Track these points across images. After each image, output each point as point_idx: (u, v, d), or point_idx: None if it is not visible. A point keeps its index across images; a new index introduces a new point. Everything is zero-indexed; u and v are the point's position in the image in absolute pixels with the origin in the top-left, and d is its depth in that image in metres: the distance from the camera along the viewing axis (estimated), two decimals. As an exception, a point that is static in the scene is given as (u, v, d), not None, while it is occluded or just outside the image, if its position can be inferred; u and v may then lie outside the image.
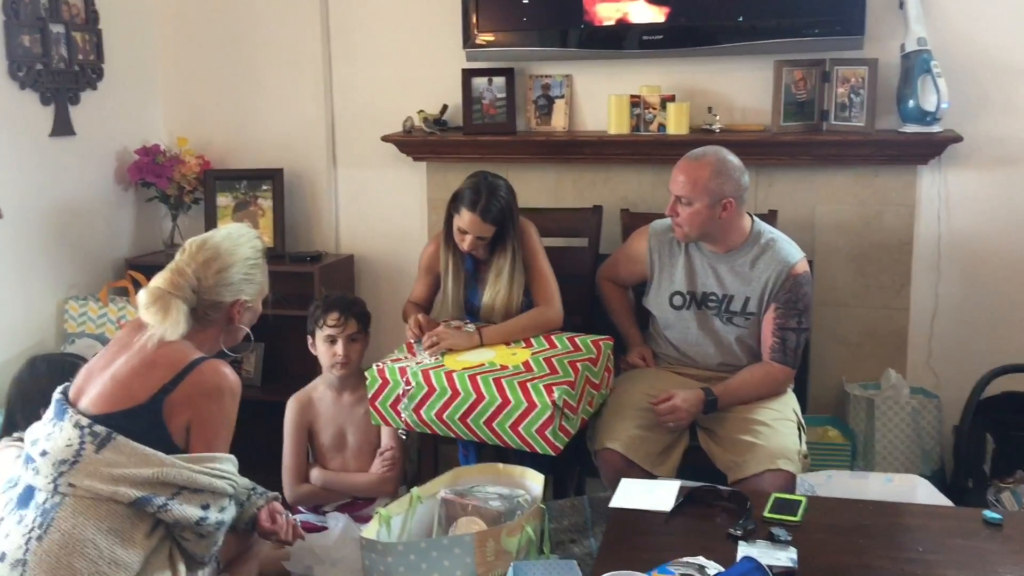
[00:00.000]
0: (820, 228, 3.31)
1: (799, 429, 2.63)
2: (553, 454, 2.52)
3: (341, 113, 3.74)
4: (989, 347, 3.24)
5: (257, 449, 3.30)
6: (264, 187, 3.70)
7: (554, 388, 2.49)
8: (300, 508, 2.93)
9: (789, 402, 2.72)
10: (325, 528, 2.81)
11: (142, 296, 2.09)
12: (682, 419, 2.63)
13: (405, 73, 3.63)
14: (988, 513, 2.10)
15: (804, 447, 2.58)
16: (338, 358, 2.84)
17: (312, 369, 3.02)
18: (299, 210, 3.80)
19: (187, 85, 3.84)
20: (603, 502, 2.46)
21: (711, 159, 2.68)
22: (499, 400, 2.52)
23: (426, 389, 2.61)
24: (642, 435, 2.61)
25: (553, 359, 2.66)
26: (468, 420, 2.58)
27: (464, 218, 2.81)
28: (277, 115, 3.76)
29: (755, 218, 2.81)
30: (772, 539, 2.00)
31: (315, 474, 2.92)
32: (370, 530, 2.22)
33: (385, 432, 2.90)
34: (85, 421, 1.97)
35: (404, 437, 2.81)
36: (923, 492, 2.40)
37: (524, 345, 2.78)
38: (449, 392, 2.59)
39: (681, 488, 2.26)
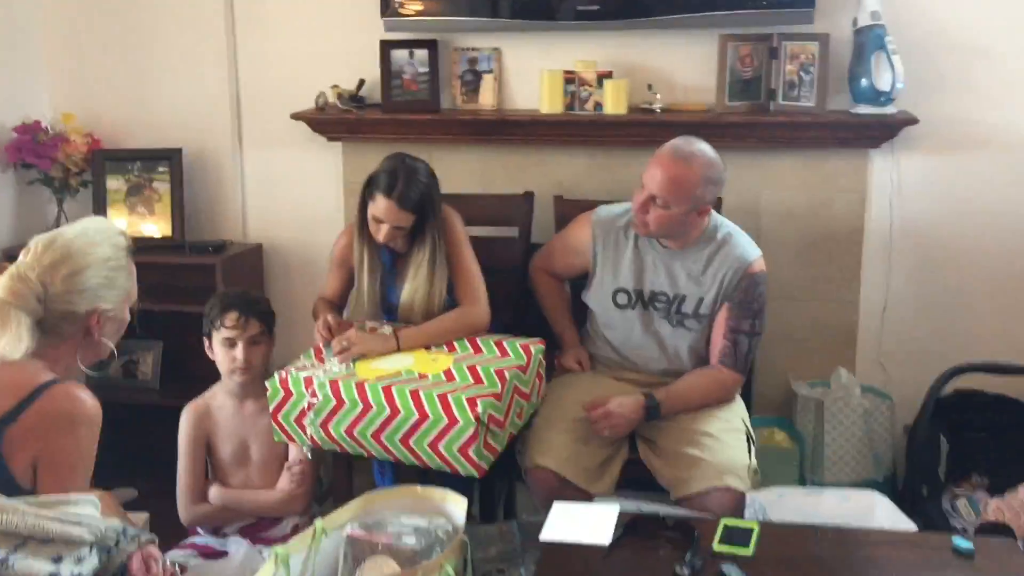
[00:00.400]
0: (765, 216, 3.10)
1: (748, 441, 2.42)
2: (477, 475, 2.28)
3: (247, 88, 3.41)
4: (942, 343, 3.08)
5: (155, 461, 3.01)
6: (161, 169, 3.36)
7: (478, 401, 2.23)
8: (198, 530, 2.63)
9: (737, 411, 2.51)
10: (225, 553, 2.54)
11: None
12: (619, 427, 2.40)
13: (318, 44, 3.31)
14: (958, 541, 1.90)
15: (754, 461, 2.37)
16: (238, 363, 2.54)
17: (217, 371, 2.72)
18: (200, 195, 3.46)
19: (74, 55, 3.47)
20: (535, 527, 2.22)
21: (700, 162, 2.42)
22: (416, 415, 2.26)
23: (334, 402, 2.34)
24: (577, 449, 2.38)
25: (478, 367, 2.40)
26: (381, 437, 2.32)
27: (379, 205, 2.54)
28: (176, 89, 3.42)
29: (713, 210, 2.57)
30: (723, 578, 1.78)
31: (214, 492, 2.63)
32: (265, 572, 1.93)
33: (293, 444, 2.61)
34: None
35: (310, 456, 2.53)
36: (882, 511, 2.22)
37: (446, 350, 2.52)
38: (360, 406, 2.32)
39: (620, 515, 2.02)
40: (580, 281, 2.73)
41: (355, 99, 3.24)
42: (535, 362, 2.50)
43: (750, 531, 1.95)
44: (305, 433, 2.39)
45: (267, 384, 2.41)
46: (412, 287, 2.61)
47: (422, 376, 2.36)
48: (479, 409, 2.21)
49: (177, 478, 2.64)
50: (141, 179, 3.37)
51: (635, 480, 2.47)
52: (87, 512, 1.72)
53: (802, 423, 3.03)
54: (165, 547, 2.49)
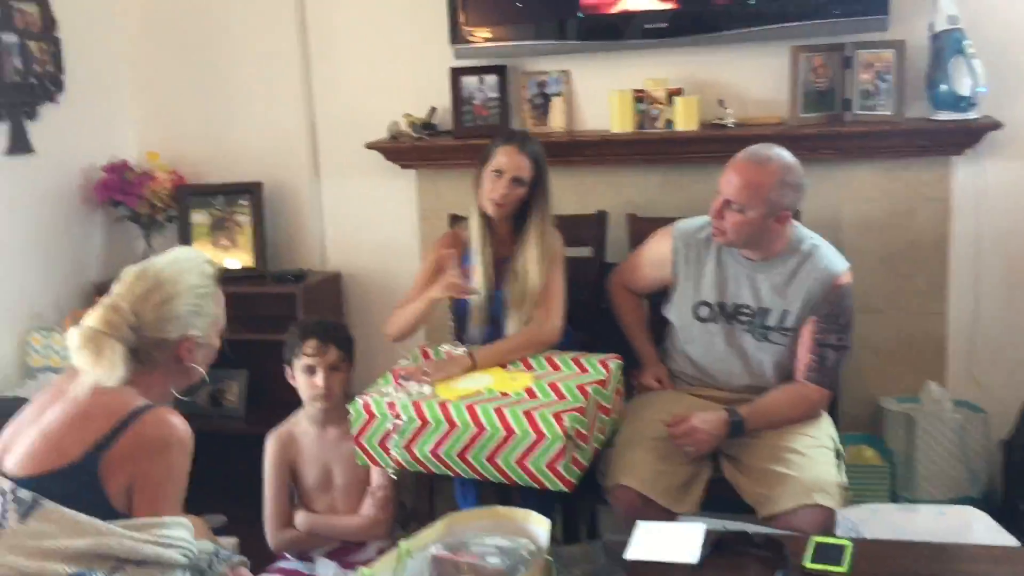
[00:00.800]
0: (847, 228, 3.03)
1: (837, 458, 2.36)
2: (566, 490, 2.27)
3: (322, 120, 3.49)
4: (1036, 353, 2.97)
5: (242, 488, 3.06)
6: (242, 202, 3.44)
7: (564, 416, 2.23)
8: (286, 555, 2.66)
9: (825, 427, 2.45)
10: (313, 576, 2.56)
11: (72, 337, 1.82)
12: (702, 443, 2.35)
13: (389, 74, 3.37)
14: (1065, 556, 1.81)
15: (844, 478, 2.30)
16: (318, 390, 2.57)
17: (300, 399, 2.76)
18: (281, 226, 3.54)
19: (157, 96, 3.59)
20: (619, 546, 2.19)
21: (776, 165, 2.39)
22: (502, 432, 2.27)
23: (418, 423, 2.35)
24: (660, 468, 2.34)
25: (559, 383, 2.40)
26: (467, 456, 2.32)
27: (501, 155, 2.59)
28: (254, 124, 3.51)
29: (796, 222, 2.53)
30: (817, 596, 1.73)
31: (300, 518, 2.65)
32: (353, 594, 1.94)
33: (375, 469, 2.63)
34: (8, 485, 1.70)
35: (395, 477, 2.54)
36: (980, 527, 2.13)
37: (524, 368, 2.52)
38: (445, 425, 2.33)
39: (708, 533, 1.98)
40: (658, 297, 2.71)
41: (427, 127, 3.28)
42: (614, 377, 2.49)
43: (843, 548, 1.88)
44: (389, 455, 2.40)
45: (349, 408, 2.44)
46: (522, 261, 2.62)
47: (504, 395, 2.36)
48: (566, 423, 2.21)
49: (263, 505, 2.68)
50: (223, 213, 3.45)
51: (719, 499, 2.41)
52: (180, 535, 1.75)
53: (892, 439, 2.94)
54: (255, 572, 2.53)
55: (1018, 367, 2.96)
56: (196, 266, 1.96)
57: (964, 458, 2.86)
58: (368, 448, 2.43)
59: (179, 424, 1.82)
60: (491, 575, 1.90)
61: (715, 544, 1.93)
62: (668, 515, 2.28)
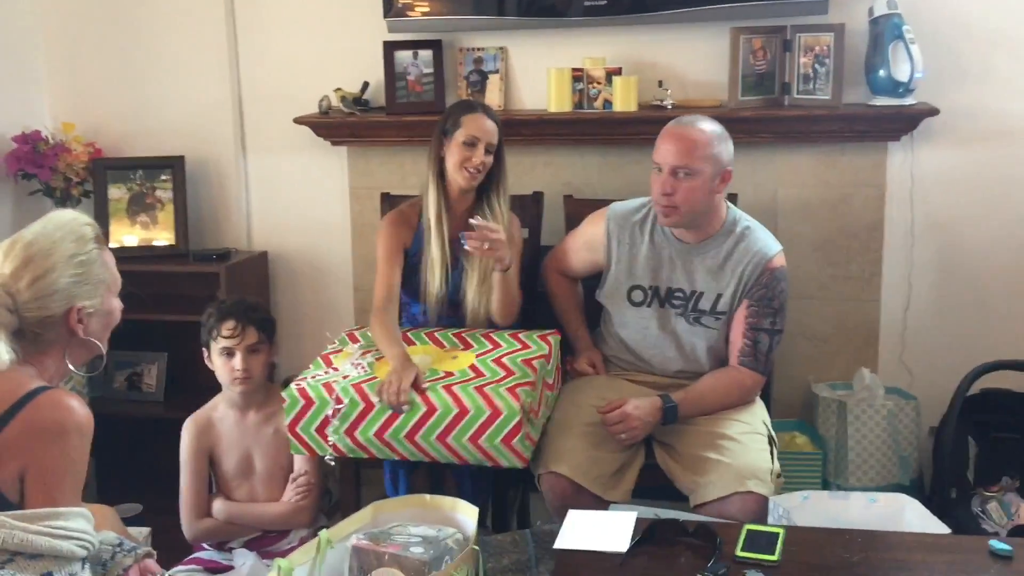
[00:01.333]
0: (783, 213, 3.01)
1: (770, 444, 2.33)
2: (521, 466, 2.25)
3: (249, 93, 3.34)
4: (967, 341, 2.99)
5: (160, 475, 2.93)
6: (163, 177, 3.30)
7: (518, 390, 2.21)
8: (203, 545, 2.55)
9: (758, 413, 2.42)
10: (231, 567, 2.46)
11: None
12: (635, 430, 2.30)
13: (320, 47, 3.24)
14: (996, 544, 1.80)
15: (777, 465, 2.27)
16: (237, 373, 2.47)
17: (223, 382, 2.65)
18: (204, 202, 3.39)
19: (73, 63, 3.40)
20: (549, 535, 2.13)
21: (705, 124, 2.40)
22: (455, 410, 2.22)
23: (362, 406, 2.27)
24: (592, 455, 2.29)
25: (503, 359, 2.36)
26: (416, 437, 2.25)
27: (471, 123, 2.53)
28: (176, 96, 3.35)
29: (730, 204, 2.50)
30: (748, 586, 1.69)
31: (218, 506, 2.56)
32: (268, 585, 1.85)
33: (298, 455, 2.53)
34: None
35: (333, 464, 2.44)
36: (912, 514, 2.12)
37: (462, 347, 2.46)
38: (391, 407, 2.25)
39: (638, 521, 1.93)
40: (593, 282, 2.65)
41: (359, 102, 3.17)
42: (555, 353, 2.46)
43: (775, 536, 1.85)
44: (327, 442, 2.31)
45: (284, 395, 2.33)
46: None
47: (448, 373, 2.31)
48: (522, 398, 2.20)
49: (180, 493, 2.57)
50: (143, 188, 3.30)
51: (653, 487, 2.37)
52: (78, 526, 1.64)
53: (824, 426, 2.93)
54: (170, 563, 2.43)
55: (949, 354, 2.97)
56: (72, 232, 1.80)
57: (895, 445, 2.86)
58: (304, 436, 2.33)
59: (77, 407, 1.70)
60: (414, 566, 1.83)
61: (646, 532, 1.88)
62: (600, 503, 2.22)
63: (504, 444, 2.21)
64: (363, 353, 2.48)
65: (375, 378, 2.33)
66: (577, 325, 2.66)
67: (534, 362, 2.34)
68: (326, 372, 2.39)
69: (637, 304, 2.48)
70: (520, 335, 2.50)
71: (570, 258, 2.67)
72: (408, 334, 2.56)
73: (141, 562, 1.83)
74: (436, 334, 2.56)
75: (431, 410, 2.23)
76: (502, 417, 2.19)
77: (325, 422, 2.30)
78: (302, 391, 2.32)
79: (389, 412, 2.25)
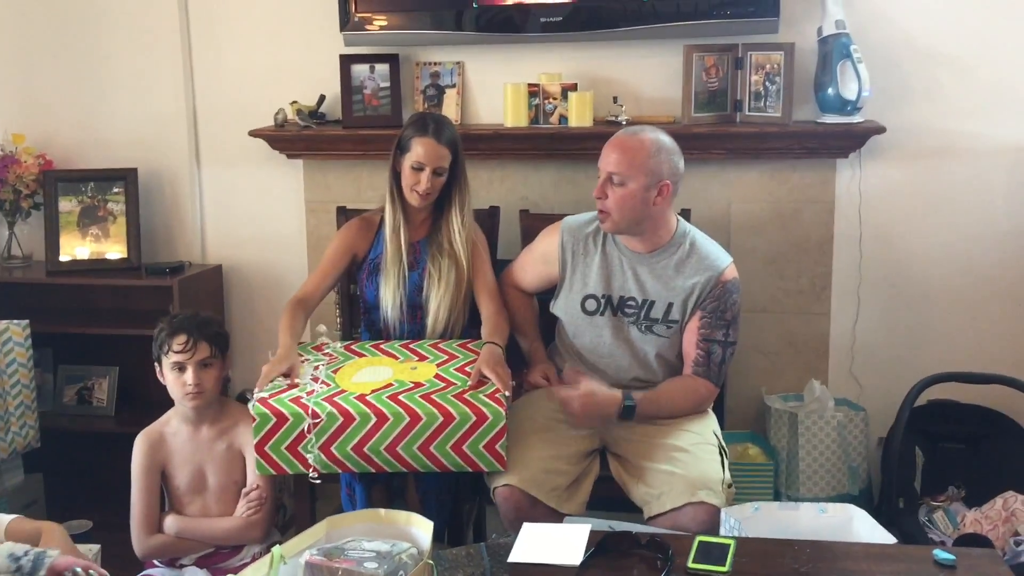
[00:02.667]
0: (735, 228, 3.06)
1: (722, 454, 2.35)
2: (501, 469, 2.28)
3: (204, 105, 3.33)
4: (915, 354, 3.05)
5: (111, 490, 2.90)
6: (115, 189, 3.26)
7: (497, 395, 2.29)
8: (154, 562, 2.52)
9: (710, 424, 2.45)
10: (182, 585, 2.43)
11: None
12: (591, 408, 2.33)
13: (276, 60, 3.24)
14: (939, 553, 1.84)
15: (728, 475, 2.30)
16: (188, 388, 2.44)
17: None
18: (157, 215, 3.37)
19: (23, 74, 3.37)
20: (503, 549, 2.14)
21: (649, 136, 2.44)
22: (440, 419, 2.24)
23: (340, 420, 2.25)
24: (546, 468, 2.30)
25: (467, 367, 2.40)
26: (397, 449, 2.26)
27: (418, 148, 2.56)
28: (129, 107, 3.33)
29: (680, 217, 2.54)
30: (699, 597, 1.71)
31: (170, 522, 2.52)
32: (220, 602, 1.83)
33: (252, 468, 2.51)
34: None
35: (318, 481, 2.40)
36: (860, 524, 2.15)
37: (416, 359, 2.48)
38: (373, 419, 2.24)
39: (591, 533, 1.94)
40: (547, 296, 2.67)
41: (315, 115, 3.17)
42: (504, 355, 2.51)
43: (726, 547, 1.87)
44: (298, 460, 2.28)
45: (253, 414, 2.29)
46: (448, 244, 2.63)
47: (417, 384, 2.33)
48: (504, 403, 2.26)
49: (131, 509, 2.53)
50: (95, 200, 3.26)
51: (607, 500, 2.39)
52: None
53: (776, 437, 2.97)
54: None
55: (896, 366, 3.04)
56: None
57: (844, 456, 2.91)
58: (272, 455, 2.30)
59: None
60: (367, 581, 1.82)
61: (599, 545, 1.89)
62: (554, 515, 2.24)
63: (487, 449, 2.25)
64: (315, 367, 2.47)
65: (343, 391, 2.33)
66: (532, 338, 2.67)
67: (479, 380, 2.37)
68: (285, 389, 2.36)
69: (591, 313, 2.51)
70: (469, 344, 2.53)
71: (526, 271, 2.69)
72: (352, 347, 2.58)
73: (53, 565, 1.82)
74: (383, 346, 2.58)
75: (415, 420, 2.24)
76: (488, 422, 2.23)
77: (300, 438, 2.27)
78: (272, 409, 2.28)
79: (371, 424, 2.25)
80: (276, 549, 1.95)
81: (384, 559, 1.88)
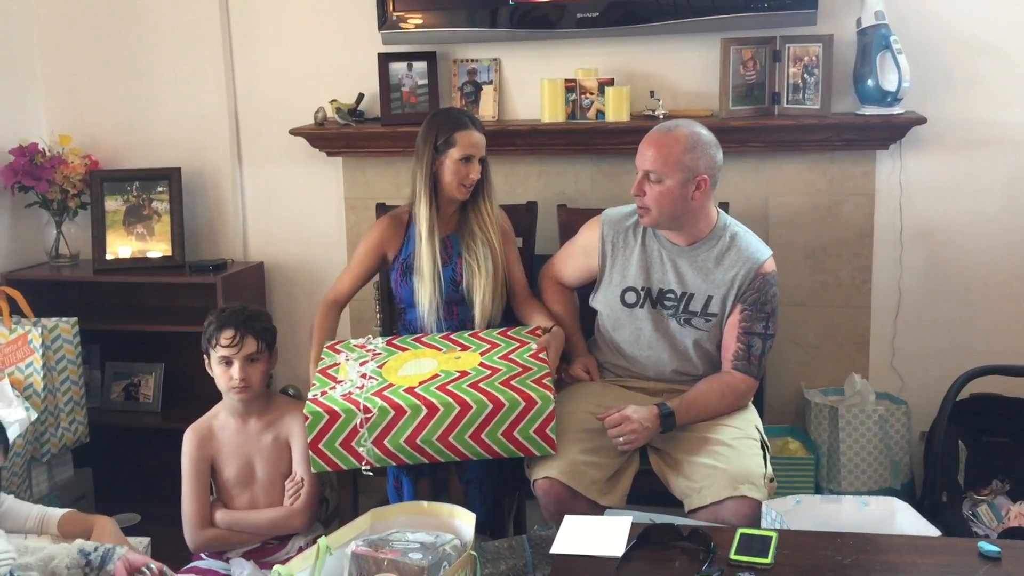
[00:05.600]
0: (774, 221, 3.05)
1: (763, 449, 2.35)
2: (552, 453, 2.30)
3: (245, 104, 3.37)
4: (957, 347, 3.02)
5: (158, 485, 2.96)
6: (159, 188, 3.32)
7: (544, 380, 2.32)
8: (201, 555, 2.57)
9: (751, 418, 2.44)
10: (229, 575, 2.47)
11: None
12: (635, 434, 2.32)
13: (315, 59, 3.27)
14: (984, 545, 1.83)
15: (770, 469, 2.30)
16: (235, 382, 2.48)
17: (221, 392, 2.66)
18: (200, 214, 3.42)
19: (70, 76, 3.43)
20: (545, 541, 2.16)
21: (684, 131, 2.43)
22: (490, 406, 2.26)
23: (392, 413, 2.28)
24: (587, 460, 2.31)
25: (511, 356, 2.43)
26: (450, 438, 2.28)
27: (466, 140, 2.61)
28: (172, 107, 3.38)
29: (720, 209, 2.53)
30: (742, 588, 1.71)
31: (220, 515, 2.56)
32: (268, 592, 1.87)
33: (297, 459, 2.55)
34: None
35: (370, 475, 2.43)
36: (903, 518, 2.14)
37: (459, 349, 2.50)
38: (424, 411, 2.27)
39: (633, 526, 1.96)
40: (585, 291, 2.68)
41: (354, 113, 3.20)
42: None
43: (768, 539, 1.87)
44: (353, 455, 2.31)
45: (306, 413, 2.32)
46: (481, 234, 2.67)
47: (463, 373, 2.36)
48: (552, 387, 2.29)
49: (182, 503, 2.57)
50: (140, 199, 3.32)
51: (647, 492, 2.40)
52: None
53: (816, 431, 2.96)
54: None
55: (939, 359, 3.01)
56: None
57: (886, 450, 2.89)
58: (328, 452, 2.33)
59: None
60: (412, 571, 1.85)
61: (641, 537, 1.90)
62: (595, 508, 2.25)
63: (537, 433, 2.27)
64: (361, 363, 2.50)
65: (392, 385, 2.35)
66: (572, 331, 2.68)
67: (540, 355, 2.42)
68: (334, 387, 2.40)
69: (630, 306, 2.51)
70: (510, 332, 2.56)
71: (567, 265, 2.70)
72: (395, 342, 2.60)
73: (123, 560, 1.86)
74: (424, 339, 2.60)
75: (465, 408, 2.26)
76: (537, 407, 2.25)
77: (353, 433, 2.30)
78: (324, 407, 2.31)
79: (422, 415, 2.27)
80: (322, 540, 2.00)
81: (428, 550, 1.91)
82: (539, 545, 2.24)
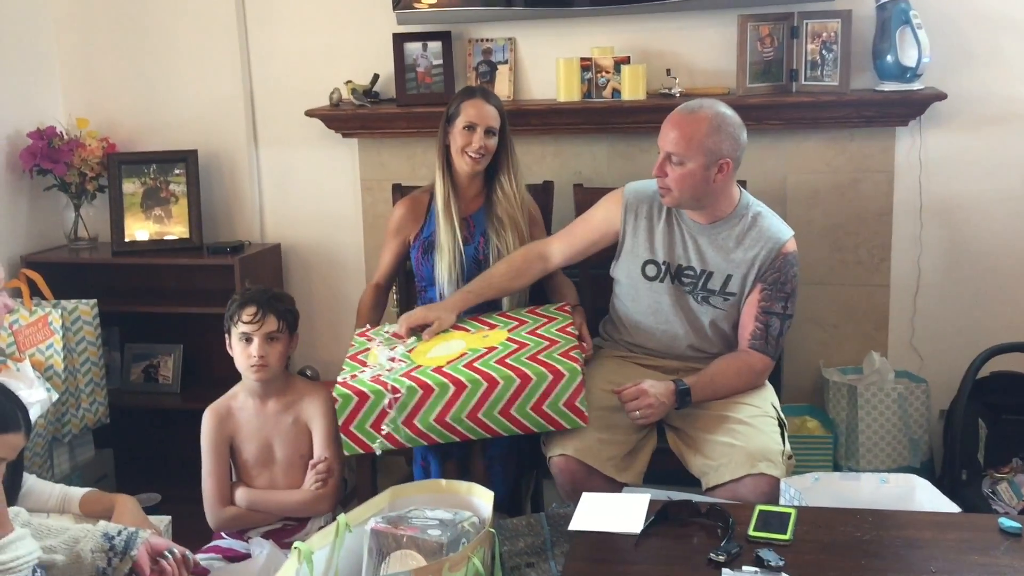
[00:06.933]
0: (792, 199, 3.03)
1: (781, 427, 2.35)
2: (583, 425, 2.29)
3: (260, 86, 3.38)
4: (976, 324, 3.01)
5: (178, 465, 2.98)
6: (176, 171, 3.33)
7: (571, 352, 2.31)
8: (222, 534, 2.58)
9: (768, 397, 2.44)
10: (249, 555, 2.48)
11: None
12: (651, 408, 2.31)
13: (330, 40, 3.27)
14: (1005, 521, 1.82)
15: (788, 447, 2.29)
16: (253, 360, 2.48)
17: (238, 374, 2.67)
18: (217, 196, 3.43)
19: (86, 60, 3.44)
20: (563, 519, 2.16)
21: (708, 112, 2.39)
22: (517, 381, 2.25)
23: (420, 393, 2.28)
24: (603, 437, 2.31)
25: (538, 331, 2.43)
26: (479, 414, 2.28)
27: (469, 109, 2.63)
28: (188, 90, 3.39)
29: (743, 189, 2.51)
30: (761, 564, 1.72)
31: (240, 494, 2.57)
32: (288, 569, 1.88)
33: (318, 441, 2.56)
34: None
35: (380, 454, 2.44)
36: (923, 494, 2.14)
37: (487, 329, 2.50)
38: (452, 388, 2.27)
39: (651, 503, 1.96)
40: (601, 258, 2.64)
41: (369, 94, 3.20)
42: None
43: (787, 516, 1.87)
44: (383, 435, 2.31)
45: (335, 395, 2.32)
46: (506, 216, 2.68)
47: (490, 348, 2.36)
48: (580, 359, 2.28)
49: (202, 482, 2.59)
50: (157, 182, 3.34)
51: (664, 472, 2.40)
52: (11, 555, 1.67)
53: (835, 410, 2.95)
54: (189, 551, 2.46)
55: (958, 337, 2.99)
56: None
57: (905, 428, 2.88)
58: (358, 434, 2.32)
59: None
60: (431, 548, 1.86)
61: (659, 513, 1.91)
62: (611, 485, 2.25)
63: (567, 406, 2.26)
64: (392, 347, 2.50)
65: (420, 366, 2.35)
66: (470, 288, 2.59)
67: (568, 329, 2.43)
68: (363, 370, 2.39)
69: (651, 278, 2.50)
70: (537, 310, 2.56)
71: (573, 236, 2.62)
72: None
73: (146, 545, 1.88)
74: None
75: (492, 384, 2.25)
76: (565, 379, 2.24)
77: (382, 415, 2.30)
78: (353, 389, 2.30)
79: (450, 393, 2.26)
80: (341, 517, 2.00)
81: (447, 527, 1.92)
82: (557, 522, 2.24)
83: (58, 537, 1.90)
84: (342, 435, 2.34)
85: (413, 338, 2.54)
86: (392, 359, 2.42)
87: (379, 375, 2.33)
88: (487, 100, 2.65)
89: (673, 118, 2.41)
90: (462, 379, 2.27)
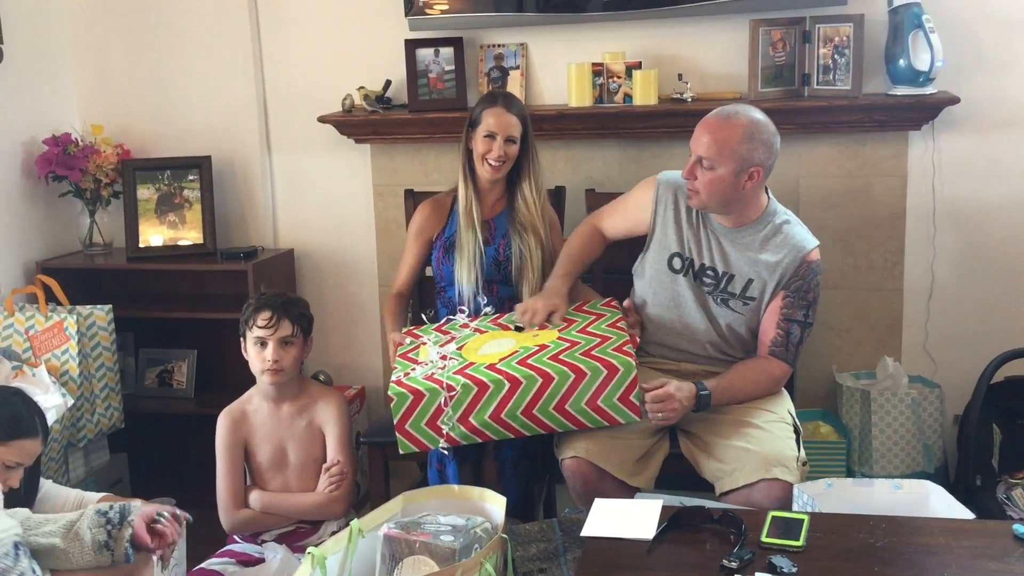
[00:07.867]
0: (804, 203, 3.02)
1: (796, 433, 2.34)
2: (637, 420, 2.29)
3: (274, 93, 3.39)
4: (990, 329, 2.99)
5: (192, 469, 3.00)
6: (190, 177, 3.35)
7: (625, 347, 2.29)
8: (235, 538, 2.60)
9: (784, 403, 2.43)
10: (263, 560, 2.50)
11: None
12: (674, 411, 2.30)
13: (342, 46, 3.28)
14: (1020, 528, 1.82)
15: (803, 453, 2.28)
16: (267, 363, 2.50)
17: (252, 379, 2.69)
18: (231, 201, 3.44)
19: (101, 67, 3.46)
20: (575, 524, 2.17)
21: (743, 119, 2.36)
22: (572, 376, 2.25)
23: (475, 390, 2.27)
24: (615, 440, 2.31)
25: (588, 328, 2.43)
26: (534, 410, 2.27)
27: (490, 118, 2.64)
28: (202, 97, 3.40)
29: (771, 196, 2.49)
30: (774, 570, 1.72)
31: (254, 497, 2.59)
32: (302, 573, 1.89)
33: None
34: None
35: (446, 452, 2.43)
36: (937, 501, 2.13)
37: (537, 327, 2.48)
38: (507, 385, 2.26)
39: (663, 508, 1.96)
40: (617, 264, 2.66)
41: (381, 100, 3.21)
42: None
43: (800, 522, 1.87)
44: (440, 434, 2.31)
45: (391, 394, 2.31)
46: (527, 221, 2.69)
47: (541, 347, 2.36)
48: (633, 354, 2.28)
49: (216, 485, 2.61)
50: (171, 188, 3.35)
51: (677, 477, 2.39)
52: None
53: (848, 415, 2.94)
54: (203, 556, 2.48)
55: (972, 342, 2.98)
56: None
57: (919, 433, 2.87)
58: (414, 432, 2.31)
59: None
60: (444, 553, 1.87)
61: (671, 519, 1.91)
62: (624, 489, 2.24)
63: (621, 401, 2.25)
64: (442, 344, 2.49)
65: (473, 363, 2.34)
66: (564, 272, 2.61)
67: (619, 324, 2.42)
68: (415, 368, 2.38)
69: (675, 271, 2.49)
70: (585, 307, 2.56)
71: (614, 214, 2.63)
72: (471, 324, 2.58)
73: (141, 516, 1.91)
74: (501, 320, 2.57)
75: (547, 380, 2.25)
76: (620, 374, 2.23)
77: (438, 412, 2.29)
78: (408, 387, 2.29)
79: (506, 389, 2.25)
80: (354, 523, 2.02)
81: (460, 533, 1.93)
82: (570, 528, 2.25)
83: (55, 524, 1.94)
84: (397, 434, 2.33)
85: (463, 335, 2.53)
86: (443, 356, 2.41)
87: (432, 373, 2.32)
88: (508, 109, 2.66)
89: (707, 122, 2.39)
90: (517, 375, 2.26)
